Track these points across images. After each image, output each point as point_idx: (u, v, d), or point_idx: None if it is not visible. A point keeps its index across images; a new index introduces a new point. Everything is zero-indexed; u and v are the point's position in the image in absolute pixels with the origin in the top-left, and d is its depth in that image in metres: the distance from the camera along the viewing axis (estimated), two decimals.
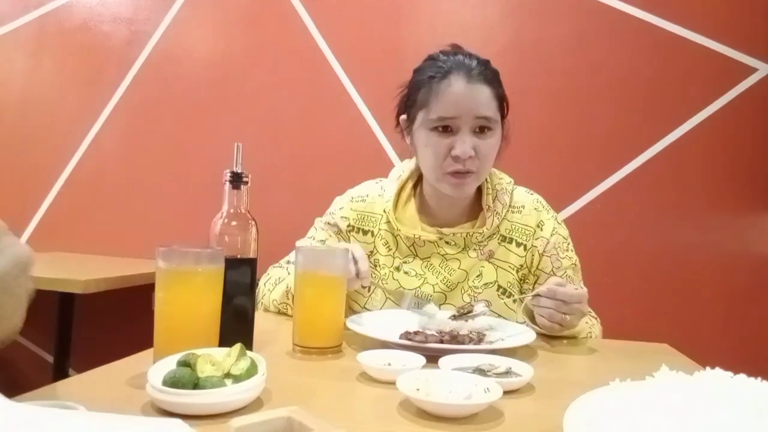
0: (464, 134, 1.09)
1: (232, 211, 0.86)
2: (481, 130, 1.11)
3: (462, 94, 1.09)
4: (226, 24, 2.43)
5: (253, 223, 0.87)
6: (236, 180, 0.86)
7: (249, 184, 0.87)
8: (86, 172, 2.52)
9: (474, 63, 1.12)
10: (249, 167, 0.87)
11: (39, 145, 2.57)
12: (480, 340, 0.95)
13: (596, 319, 1.25)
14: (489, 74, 1.12)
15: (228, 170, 0.86)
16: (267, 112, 2.35)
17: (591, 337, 1.17)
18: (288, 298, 1.14)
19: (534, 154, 2.09)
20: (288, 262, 1.26)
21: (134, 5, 2.51)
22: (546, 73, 2.12)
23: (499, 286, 1.18)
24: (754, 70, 1.99)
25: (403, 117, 1.20)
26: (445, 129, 1.10)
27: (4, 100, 2.63)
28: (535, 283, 1.21)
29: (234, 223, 0.86)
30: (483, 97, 1.10)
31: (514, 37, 2.16)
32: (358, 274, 1.02)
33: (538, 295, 1.02)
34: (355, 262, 1.01)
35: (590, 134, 2.08)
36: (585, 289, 1.05)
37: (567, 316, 1.00)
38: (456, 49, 1.18)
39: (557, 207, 1.26)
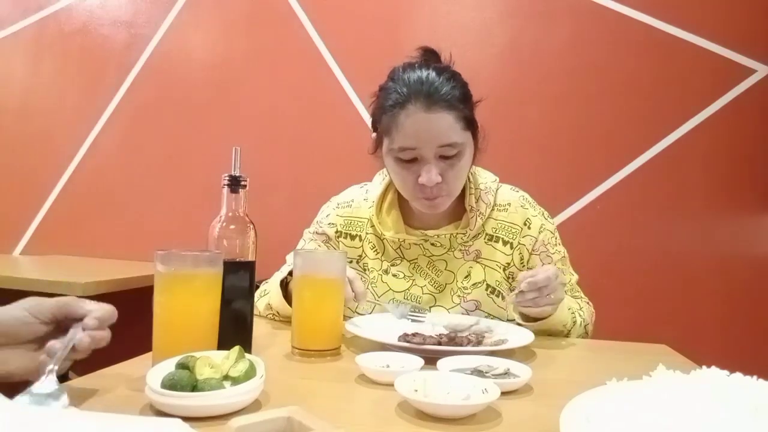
0: (429, 163, 1.06)
1: (230, 214, 0.86)
2: (447, 156, 1.07)
3: (421, 124, 1.04)
4: (225, 27, 2.44)
5: (251, 226, 0.87)
6: (234, 184, 0.86)
7: (247, 188, 0.87)
8: (86, 174, 2.53)
9: (435, 83, 1.04)
10: (248, 170, 0.87)
11: (39, 148, 2.58)
12: (479, 342, 0.96)
13: (588, 303, 1.25)
14: (452, 95, 1.05)
15: (226, 174, 0.86)
16: (266, 115, 2.35)
17: (578, 321, 1.15)
18: (270, 310, 1.16)
19: (533, 156, 2.10)
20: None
21: (134, 8, 2.52)
22: (545, 75, 2.13)
23: (488, 285, 1.18)
24: (752, 71, 1.99)
25: (373, 136, 1.18)
26: (410, 159, 1.07)
27: (3, 103, 2.63)
28: None
29: (232, 226, 0.86)
30: (444, 124, 1.04)
31: (512, 39, 2.17)
32: (355, 296, 1.01)
33: (521, 292, 1.01)
34: (350, 282, 1.00)
35: (589, 136, 2.09)
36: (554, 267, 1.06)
37: (551, 295, 1.01)
38: (422, 60, 1.12)
39: (556, 208, 1.27)
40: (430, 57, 1.15)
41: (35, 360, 0.65)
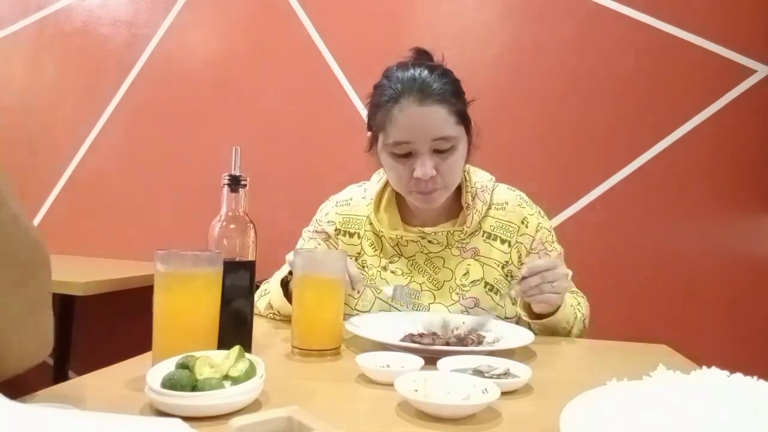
0: (423, 156, 1.07)
1: (230, 214, 0.86)
2: (441, 149, 1.08)
3: (415, 118, 1.06)
4: (226, 27, 2.44)
5: (251, 226, 0.87)
6: (234, 183, 0.86)
7: (247, 187, 0.87)
8: (86, 174, 2.53)
9: (427, 79, 1.07)
10: (248, 170, 0.88)
11: (39, 147, 2.58)
12: (480, 342, 0.96)
13: (583, 297, 1.26)
14: (445, 90, 1.07)
15: (226, 173, 0.86)
16: (266, 115, 2.35)
17: (579, 316, 1.16)
18: (271, 309, 1.17)
19: (533, 156, 2.10)
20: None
21: (134, 8, 2.52)
22: (545, 75, 2.13)
23: (486, 283, 1.19)
24: (752, 71, 1.99)
25: (369, 134, 1.19)
26: (404, 153, 1.09)
27: (4, 102, 2.63)
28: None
29: (232, 226, 0.86)
30: (437, 117, 1.06)
31: (513, 39, 2.17)
32: (351, 281, 1.02)
33: (523, 278, 1.02)
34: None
35: (589, 136, 2.09)
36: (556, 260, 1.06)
37: (555, 283, 1.01)
38: (415, 60, 1.14)
39: (556, 208, 1.27)
40: (422, 57, 1.17)
41: None
